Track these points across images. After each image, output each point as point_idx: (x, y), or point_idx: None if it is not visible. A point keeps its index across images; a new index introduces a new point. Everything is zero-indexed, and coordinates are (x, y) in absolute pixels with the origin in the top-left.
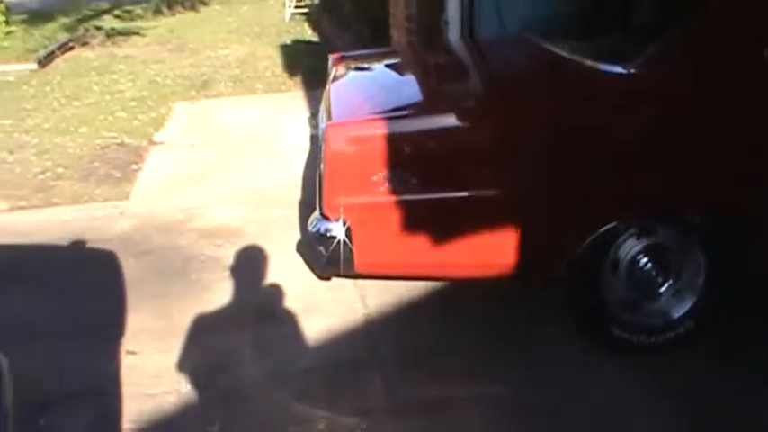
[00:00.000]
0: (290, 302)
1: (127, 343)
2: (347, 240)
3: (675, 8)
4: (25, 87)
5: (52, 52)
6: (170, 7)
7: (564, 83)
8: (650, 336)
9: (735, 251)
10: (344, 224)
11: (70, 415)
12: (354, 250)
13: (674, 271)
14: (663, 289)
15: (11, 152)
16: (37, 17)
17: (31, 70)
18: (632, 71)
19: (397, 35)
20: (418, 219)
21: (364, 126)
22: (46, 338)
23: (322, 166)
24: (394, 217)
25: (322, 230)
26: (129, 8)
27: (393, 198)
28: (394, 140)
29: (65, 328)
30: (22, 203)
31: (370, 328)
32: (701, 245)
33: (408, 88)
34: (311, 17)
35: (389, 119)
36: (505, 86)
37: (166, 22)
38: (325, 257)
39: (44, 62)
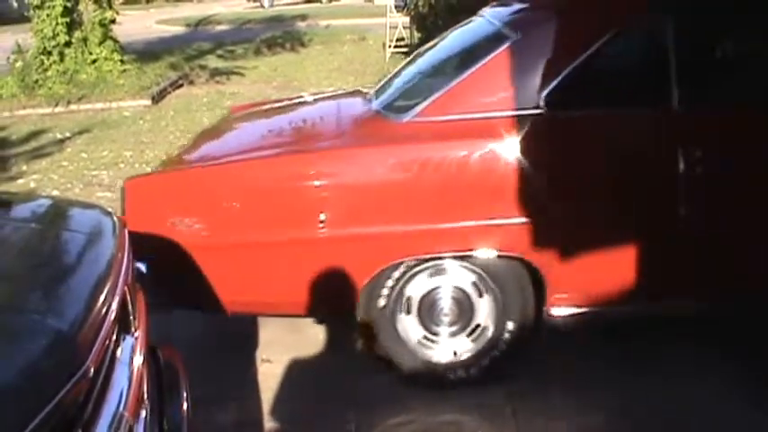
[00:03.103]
0: None
1: (262, 353)
2: (152, 278)
3: None
4: (141, 122)
5: (164, 89)
6: (270, 48)
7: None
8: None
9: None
10: (147, 264)
11: (217, 414)
12: (158, 287)
13: (466, 313)
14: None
15: None
16: (145, 57)
17: (145, 106)
18: (409, 120)
19: None
20: (204, 259)
21: (153, 181)
22: (187, 348)
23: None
24: (184, 257)
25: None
26: (230, 48)
27: (182, 240)
28: (179, 192)
29: (203, 339)
30: None
31: None
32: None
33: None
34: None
35: (177, 173)
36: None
37: (268, 61)
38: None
39: (157, 98)
